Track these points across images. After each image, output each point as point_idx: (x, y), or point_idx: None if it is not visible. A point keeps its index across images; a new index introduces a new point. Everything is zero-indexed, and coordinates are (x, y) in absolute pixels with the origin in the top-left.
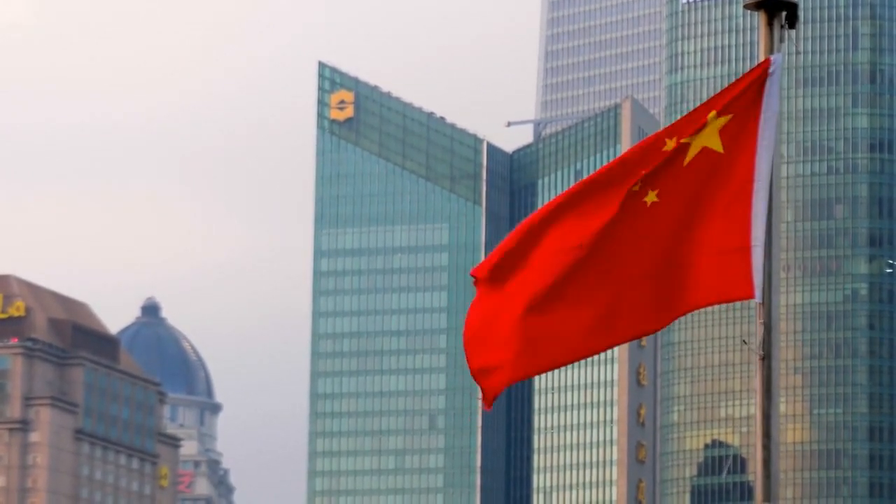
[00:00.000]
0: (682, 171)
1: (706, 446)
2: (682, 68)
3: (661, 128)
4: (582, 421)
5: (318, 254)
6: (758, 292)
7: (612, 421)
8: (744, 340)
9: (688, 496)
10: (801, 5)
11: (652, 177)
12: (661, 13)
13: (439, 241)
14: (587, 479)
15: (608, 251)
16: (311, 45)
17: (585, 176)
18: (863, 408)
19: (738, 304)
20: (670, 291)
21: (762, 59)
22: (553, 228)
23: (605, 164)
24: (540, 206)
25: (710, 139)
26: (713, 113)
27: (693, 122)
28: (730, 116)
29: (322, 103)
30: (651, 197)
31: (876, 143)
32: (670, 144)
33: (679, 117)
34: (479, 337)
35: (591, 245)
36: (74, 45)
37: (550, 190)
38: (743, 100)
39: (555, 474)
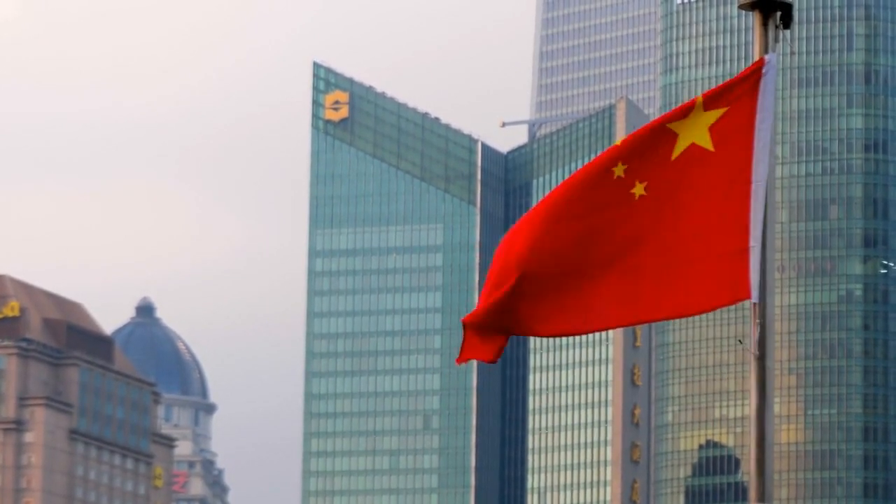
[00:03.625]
0: (670, 164)
1: (700, 447)
2: (676, 69)
3: None
4: (576, 421)
5: (313, 254)
6: (755, 293)
7: (606, 421)
8: (739, 340)
9: (682, 496)
10: (796, 6)
11: (638, 166)
12: (656, 13)
13: (434, 241)
14: (581, 479)
15: (594, 239)
16: (306, 45)
17: None
18: (857, 408)
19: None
20: (661, 290)
21: (757, 59)
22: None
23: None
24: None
25: (699, 135)
26: (700, 99)
27: (680, 108)
28: (721, 111)
29: (317, 103)
30: (639, 189)
31: (871, 143)
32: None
33: None
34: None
35: (578, 230)
36: (66, 41)
37: (545, 190)
38: (735, 97)
39: (549, 474)
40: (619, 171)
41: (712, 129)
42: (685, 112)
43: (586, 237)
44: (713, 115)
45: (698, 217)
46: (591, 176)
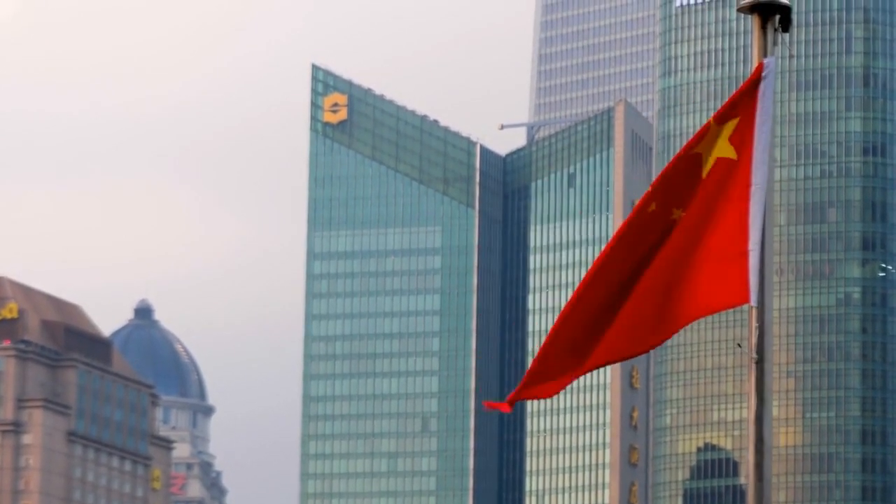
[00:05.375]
0: (702, 183)
1: (699, 450)
2: (675, 72)
3: (654, 131)
4: (574, 424)
5: (312, 256)
6: (753, 296)
7: (604, 424)
8: (738, 344)
9: (680, 499)
10: (795, 9)
11: (672, 196)
12: (655, 16)
13: (432, 243)
14: (580, 482)
15: (635, 267)
16: (305, 47)
17: (578, 179)
18: (855, 411)
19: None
20: (674, 303)
21: (756, 62)
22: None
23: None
24: (533, 209)
25: (722, 148)
26: (712, 121)
27: (697, 136)
28: (735, 121)
29: (315, 106)
30: (677, 214)
31: (869, 146)
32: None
33: (672, 120)
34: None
35: (625, 265)
36: (65, 42)
37: (543, 193)
38: (743, 104)
39: (547, 477)
40: (652, 207)
41: (732, 139)
42: (702, 135)
43: (626, 271)
44: (729, 126)
45: (713, 224)
46: (630, 221)
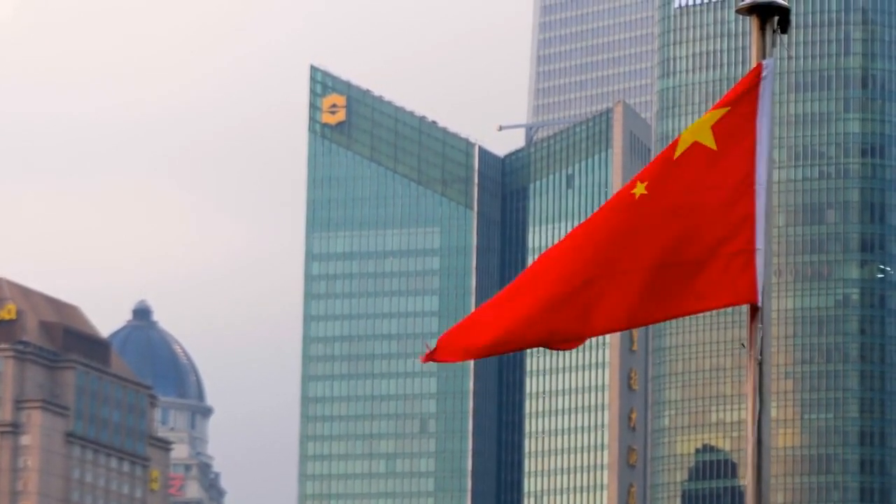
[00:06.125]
0: (672, 163)
1: (697, 451)
2: (674, 73)
3: (653, 132)
4: (573, 425)
5: (310, 257)
6: (760, 297)
7: (603, 425)
8: (742, 344)
9: (679, 501)
10: (794, 10)
11: (644, 171)
12: (654, 17)
13: (431, 244)
14: (578, 483)
15: (595, 241)
16: (303, 48)
17: (577, 180)
18: (854, 413)
19: (729, 308)
20: (667, 289)
21: (754, 63)
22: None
23: (597, 168)
24: (531, 211)
25: (702, 134)
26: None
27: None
28: (724, 111)
29: (314, 107)
30: (640, 189)
31: (868, 147)
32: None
33: (671, 122)
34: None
35: (579, 235)
36: (62, 43)
37: (542, 194)
38: (737, 98)
39: (546, 478)
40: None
41: (715, 127)
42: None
43: (595, 244)
44: (716, 114)
45: (703, 216)
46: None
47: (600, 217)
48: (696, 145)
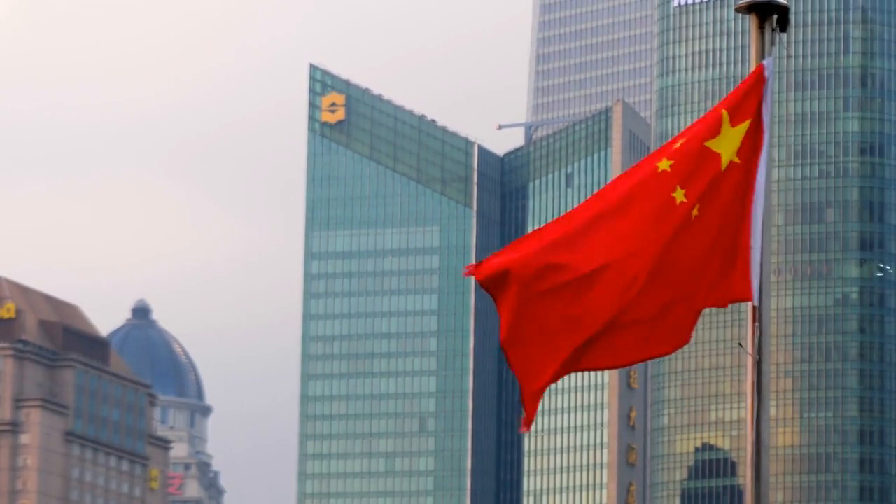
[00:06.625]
0: (717, 186)
1: (696, 450)
2: (673, 71)
3: (652, 131)
4: (572, 424)
5: (309, 256)
6: (755, 295)
7: (602, 424)
8: (740, 344)
9: (678, 499)
10: (793, 9)
11: (696, 191)
12: (653, 16)
13: (430, 243)
14: (577, 482)
15: (653, 255)
16: (303, 47)
17: (576, 179)
18: (853, 411)
19: (728, 307)
20: (688, 301)
21: (754, 62)
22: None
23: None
24: (530, 209)
25: (735, 152)
26: (724, 113)
27: (709, 124)
28: (747, 124)
29: (313, 105)
30: (679, 195)
31: (867, 146)
32: (680, 144)
33: (670, 120)
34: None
35: (648, 255)
36: (58, 41)
37: (541, 193)
38: (752, 107)
39: (545, 477)
40: (679, 196)
41: (743, 141)
42: (716, 128)
43: (656, 258)
44: (741, 129)
45: (722, 223)
46: (641, 178)
47: (641, 214)
48: (731, 164)
